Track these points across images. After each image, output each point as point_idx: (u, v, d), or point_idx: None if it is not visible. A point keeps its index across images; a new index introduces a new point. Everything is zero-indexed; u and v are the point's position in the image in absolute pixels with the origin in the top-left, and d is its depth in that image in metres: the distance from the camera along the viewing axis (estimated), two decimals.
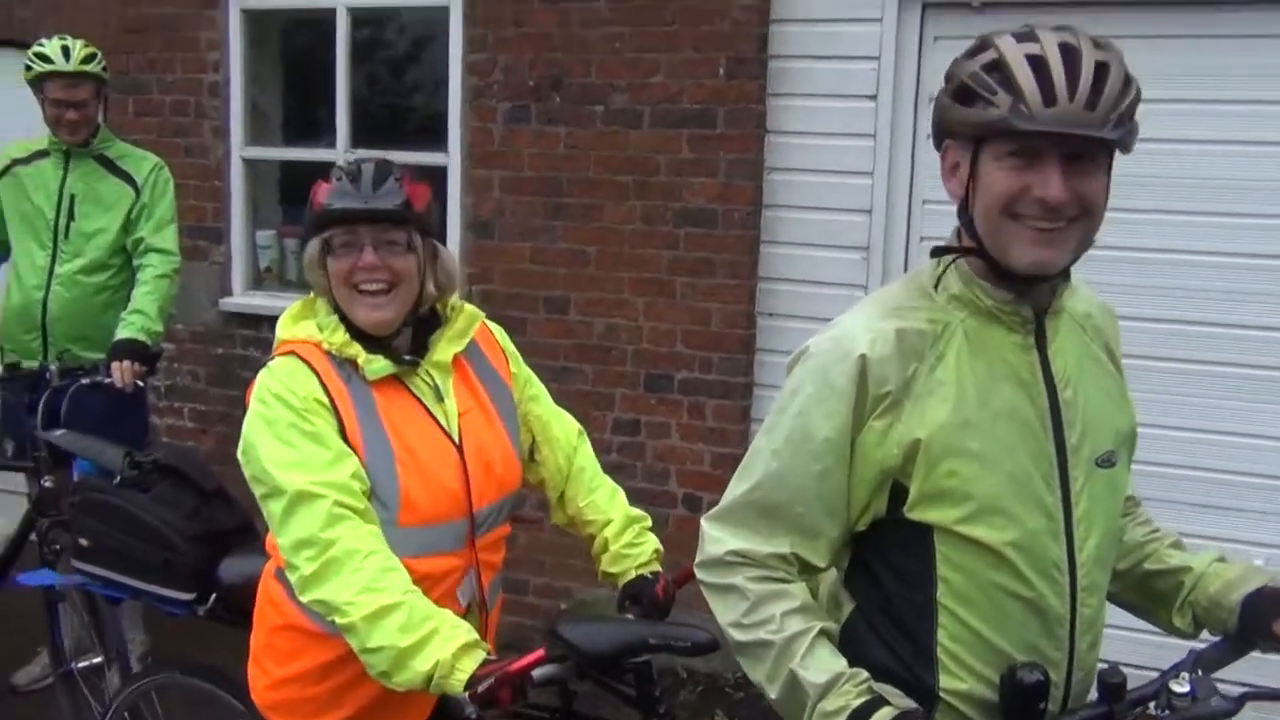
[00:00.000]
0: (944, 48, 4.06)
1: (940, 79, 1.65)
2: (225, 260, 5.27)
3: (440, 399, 2.18)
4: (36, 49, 3.96)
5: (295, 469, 1.98)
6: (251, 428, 2.05)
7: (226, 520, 2.74)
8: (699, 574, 1.74)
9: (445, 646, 1.85)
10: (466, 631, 1.90)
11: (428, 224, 2.17)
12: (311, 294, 2.23)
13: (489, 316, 2.39)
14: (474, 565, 2.18)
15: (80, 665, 3.54)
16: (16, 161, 4.11)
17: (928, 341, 1.64)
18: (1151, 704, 1.63)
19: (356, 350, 2.10)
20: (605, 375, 4.58)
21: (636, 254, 4.49)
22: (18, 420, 3.87)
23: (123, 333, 3.85)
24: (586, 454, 2.47)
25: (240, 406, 2.11)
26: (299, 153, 5.29)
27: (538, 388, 2.44)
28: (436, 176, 4.68)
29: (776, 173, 4.33)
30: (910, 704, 1.60)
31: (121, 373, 3.72)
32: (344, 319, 2.14)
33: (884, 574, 1.69)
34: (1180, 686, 1.59)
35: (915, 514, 1.62)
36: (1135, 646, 2.70)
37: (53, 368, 3.84)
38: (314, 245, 2.13)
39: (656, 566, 2.35)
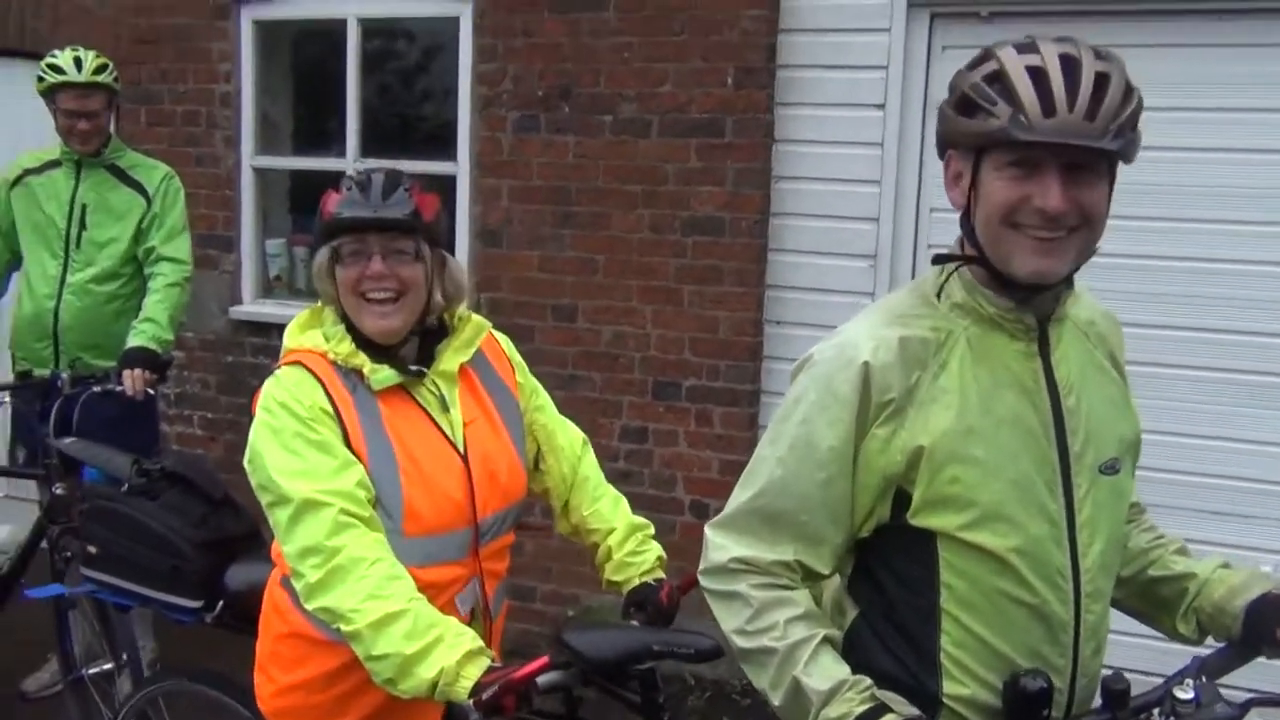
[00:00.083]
0: (952, 57, 4.06)
1: (948, 88, 1.66)
2: (235, 269, 5.30)
3: (446, 409, 2.19)
4: (49, 60, 3.99)
5: (301, 477, 1.99)
6: (258, 436, 2.06)
7: (234, 528, 2.75)
8: (703, 581, 1.74)
9: (450, 654, 1.85)
10: (471, 639, 1.90)
11: (436, 234, 2.18)
12: (319, 303, 2.24)
13: (497, 324, 2.40)
14: (478, 574, 2.19)
15: (91, 671, 3.55)
16: (28, 171, 4.14)
17: (931, 349, 1.64)
18: (1156, 710, 1.62)
19: (362, 360, 2.11)
20: (613, 383, 4.60)
21: (644, 262, 4.50)
22: (29, 428, 3.89)
23: (134, 341, 3.87)
24: (591, 463, 2.47)
25: (249, 414, 2.12)
26: (309, 162, 5.31)
27: (543, 397, 2.45)
28: (446, 185, 4.71)
29: (784, 181, 4.34)
30: (913, 711, 1.60)
31: (132, 381, 3.74)
32: (351, 328, 2.15)
33: (887, 580, 1.69)
34: (1184, 693, 1.59)
35: (918, 520, 1.63)
36: (1140, 652, 2.69)
37: (64, 376, 3.85)
38: (323, 254, 2.14)
39: (660, 574, 2.35)
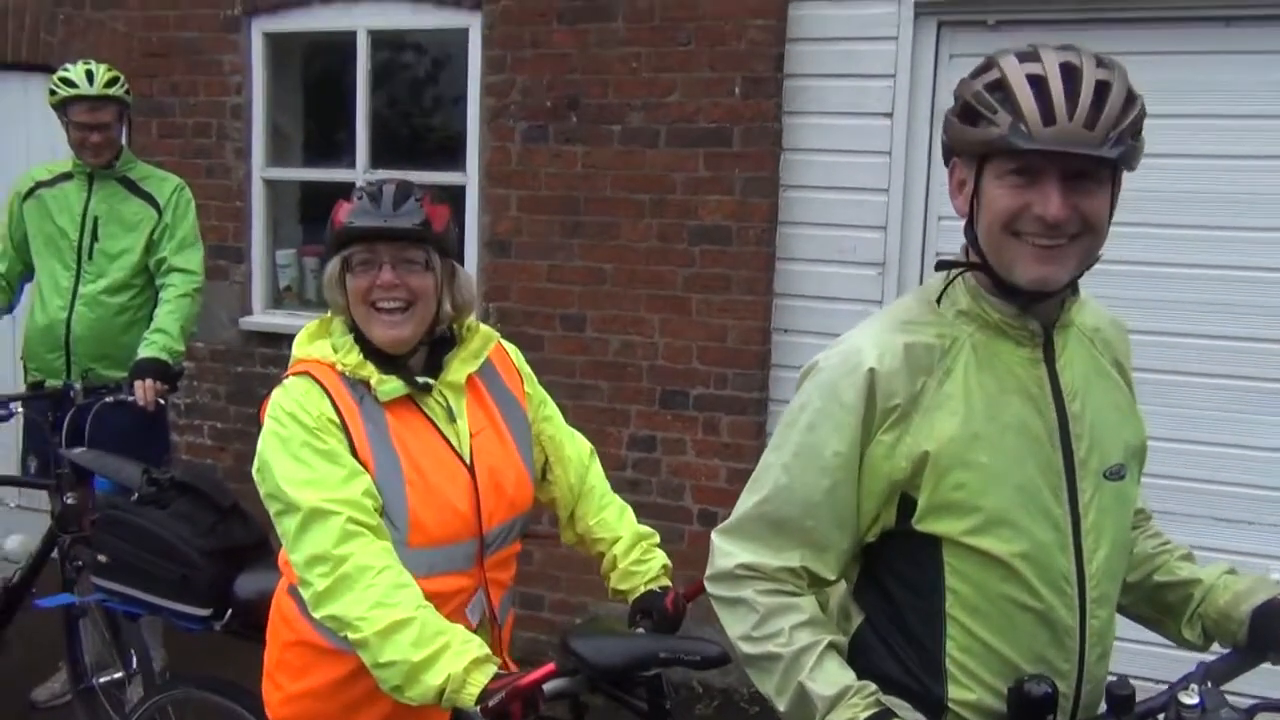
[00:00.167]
0: (959, 65, 4.06)
1: (953, 96, 1.67)
2: (245, 279, 5.32)
3: (453, 420, 2.19)
4: (61, 74, 4.02)
5: (309, 486, 2.00)
6: (266, 446, 2.07)
7: (243, 536, 2.76)
8: (709, 587, 1.75)
9: (457, 661, 1.86)
10: (478, 646, 1.90)
11: (446, 244, 2.19)
12: (329, 313, 2.25)
13: (505, 334, 2.41)
14: (483, 584, 2.20)
15: (101, 680, 3.57)
16: (41, 184, 4.17)
17: (936, 355, 1.65)
18: (1160, 716, 1.62)
19: (370, 371, 2.12)
20: (621, 392, 4.60)
21: (652, 271, 4.51)
22: (41, 438, 3.91)
23: (145, 352, 3.89)
24: (597, 473, 2.48)
25: (258, 424, 2.13)
26: (319, 173, 5.34)
27: (551, 408, 2.46)
28: (455, 196, 4.72)
29: (792, 190, 4.35)
30: (918, 716, 1.61)
31: (144, 391, 3.76)
32: (360, 339, 2.16)
33: (893, 586, 1.70)
34: (1189, 698, 1.59)
35: (923, 526, 1.63)
36: (1147, 660, 2.69)
37: (77, 386, 3.88)
38: (334, 263, 2.15)
39: (666, 581, 2.35)
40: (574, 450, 2.46)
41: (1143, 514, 1.92)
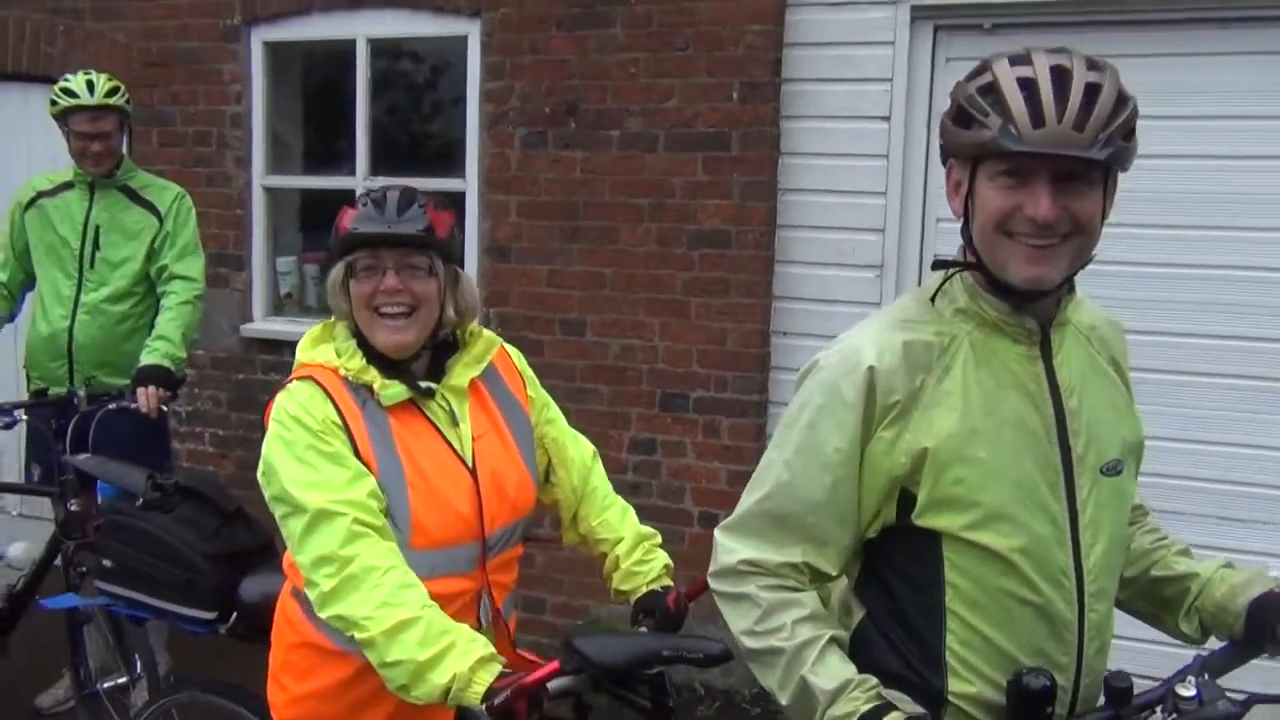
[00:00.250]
0: (956, 69, 4.08)
1: (948, 99, 1.69)
2: (246, 287, 5.34)
3: (455, 423, 2.21)
4: (62, 84, 4.04)
5: (315, 488, 2.02)
6: (271, 449, 2.09)
7: (247, 540, 2.77)
8: (712, 583, 1.77)
9: (463, 660, 1.87)
10: (483, 645, 1.92)
11: (449, 250, 2.21)
12: (332, 318, 2.27)
13: (506, 338, 2.42)
14: (485, 587, 2.21)
15: (105, 685, 3.58)
16: (42, 193, 4.18)
17: (935, 353, 1.67)
18: (1158, 708, 1.64)
19: (373, 376, 2.13)
20: (621, 395, 4.62)
21: (652, 275, 4.53)
22: (45, 446, 3.92)
23: (147, 359, 3.90)
24: (600, 474, 2.50)
25: (260, 431, 2.15)
26: (319, 181, 5.36)
27: (554, 410, 2.47)
28: (455, 202, 4.74)
29: (790, 193, 4.37)
30: (918, 709, 1.62)
31: (146, 398, 3.77)
32: (363, 343, 2.18)
33: (894, 581, 1.72)
34: (1187, 690, 1.60)
35: (923, 521, 1.65)
36: (1146, 657, 2.70)
37: (81, 393, 3.89)
38: (337, 269, 2.17)
39: (668, 581, 2.37)
40: (577, 452, 2.47)
41: (1140, 510, 1.94)
